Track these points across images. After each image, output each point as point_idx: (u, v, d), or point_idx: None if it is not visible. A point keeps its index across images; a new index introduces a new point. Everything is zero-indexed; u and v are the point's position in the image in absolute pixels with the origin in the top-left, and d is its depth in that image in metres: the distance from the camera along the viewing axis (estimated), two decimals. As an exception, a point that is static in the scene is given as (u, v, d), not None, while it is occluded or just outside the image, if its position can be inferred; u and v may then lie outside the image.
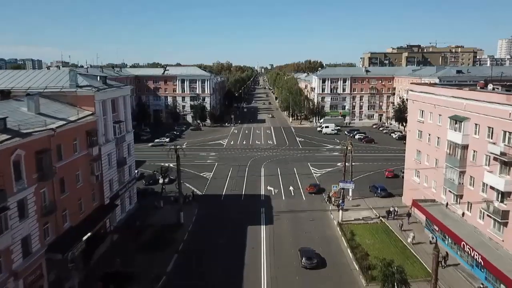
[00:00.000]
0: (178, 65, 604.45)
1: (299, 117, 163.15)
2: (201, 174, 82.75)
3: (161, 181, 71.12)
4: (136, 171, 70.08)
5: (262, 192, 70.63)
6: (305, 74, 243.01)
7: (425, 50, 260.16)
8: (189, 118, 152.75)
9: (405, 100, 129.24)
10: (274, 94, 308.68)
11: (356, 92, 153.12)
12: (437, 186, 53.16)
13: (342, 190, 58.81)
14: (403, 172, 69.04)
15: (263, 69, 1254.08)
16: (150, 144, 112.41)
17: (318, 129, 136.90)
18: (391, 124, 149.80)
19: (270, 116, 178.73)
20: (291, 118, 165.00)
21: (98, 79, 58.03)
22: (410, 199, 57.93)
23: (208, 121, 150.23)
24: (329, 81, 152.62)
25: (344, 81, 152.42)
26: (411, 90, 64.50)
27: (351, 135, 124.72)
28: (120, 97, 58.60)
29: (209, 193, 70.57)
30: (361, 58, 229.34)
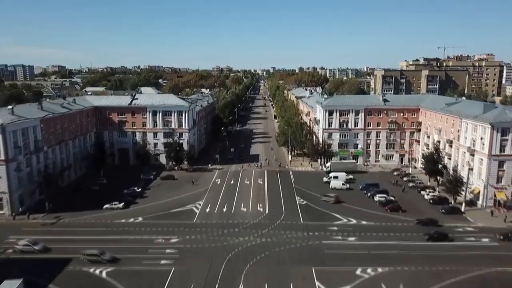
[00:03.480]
0: (175, 72, 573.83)
1: (300, 154, 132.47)
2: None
3: None
4: None
5: None
6: (308, 91, 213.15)
7: (444, 65, 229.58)
8: (163, 159, 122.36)
9: (438, 146, 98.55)
10: (273, 107, 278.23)
11: (371, 127, 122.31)
12: None
13: None
14: None
15: (264, 72, 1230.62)
16: (104, 207, 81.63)
17: (325, 179, 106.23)
18: (415, 168, 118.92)
19: (266, 151, 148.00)
20: (290, 156, 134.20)
21: None
22: None
23: (187, 162, 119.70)
24: (338, 113, 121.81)
25: (357, 113, 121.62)
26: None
27: (370, 194, 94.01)
28: None
29: None
30: (370, 73, 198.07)
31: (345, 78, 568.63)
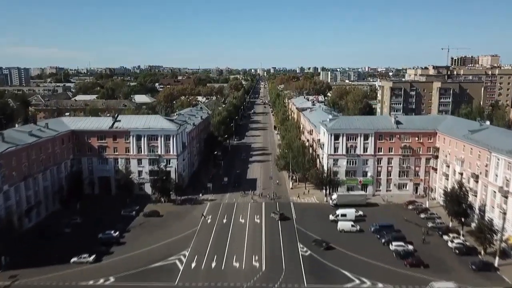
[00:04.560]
0: (173, 75, 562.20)
1: (302, 179, 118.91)
2: None
3: None
4: None
5: None
6: (310, 102, 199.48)
7: (455, 73, 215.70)
8: (148, 188, 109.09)
9: (463, 183, 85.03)
10: (273, 115, 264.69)
11: (382, 153, 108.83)
12: None
13: None
14: None
15: (265, 73, 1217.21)
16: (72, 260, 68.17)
17: (331, 217, 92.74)
18: (433, 199, 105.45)
19: (265, 175, 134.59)
20: (291, 182, 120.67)
21: None
22: None
23: (175, 194, 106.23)
24: (345, 137, 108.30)
25: (366, 137, 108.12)
26: None
27: (384, 240, 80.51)
28: None
29: None
30: (378, 86, 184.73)
31: (347, 81, 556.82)
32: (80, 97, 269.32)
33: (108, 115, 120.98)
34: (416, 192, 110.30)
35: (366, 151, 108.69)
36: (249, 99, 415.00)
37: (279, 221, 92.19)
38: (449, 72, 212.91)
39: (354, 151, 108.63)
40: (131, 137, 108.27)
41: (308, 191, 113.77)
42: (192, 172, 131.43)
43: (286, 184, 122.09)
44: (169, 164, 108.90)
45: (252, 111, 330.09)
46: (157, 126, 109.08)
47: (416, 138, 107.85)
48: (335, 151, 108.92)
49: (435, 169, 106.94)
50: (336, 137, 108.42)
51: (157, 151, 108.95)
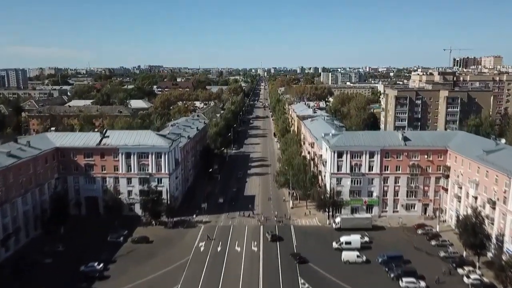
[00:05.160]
0: (171, 78, 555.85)
1: (303, 197, 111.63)
2: None
3: None
4: None
5: None
6: (311, 110, 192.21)
7: (461, 79, 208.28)
8: (138, 209, 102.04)
9: (479, 212, 77.88)
10: (273, 119, 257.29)
11: (389, 172, 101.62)
12: None
13: None
14: None
15: (265, 73, 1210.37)
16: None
17: (335, 245, 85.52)
18: (443, 221, 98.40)
19: (263, 192, 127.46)
20: (291, 201, 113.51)
21: None
22: None
23: (168, 216, 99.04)
24: (349, 155, 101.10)
25: (371, 155, 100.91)
26: None
27: (393, 275, 73.26)
28: None
29: None
30: (382, 93, 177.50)
31: (348, 83, 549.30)
32: (74, 103, 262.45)
33: (96, 130, 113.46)
34: (425, 213, 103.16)
35: (372, 170, 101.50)
36: (249, 102, 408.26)
37: (278, 250, 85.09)
38: (455, 78, 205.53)
39: (359, 170, 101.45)
40: (120, 154, 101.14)
41: (310, 212, 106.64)
42: (187, 188, 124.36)
43: (286, 202, 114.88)
44: (161, 183, 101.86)
45: (251, 115, 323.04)
46: (148, 143, 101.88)
47: (425, 156, 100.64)
48: (338, 170, 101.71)
49: (446, 189, 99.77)
50: (340, 155, 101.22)
51: (147, 170, 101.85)
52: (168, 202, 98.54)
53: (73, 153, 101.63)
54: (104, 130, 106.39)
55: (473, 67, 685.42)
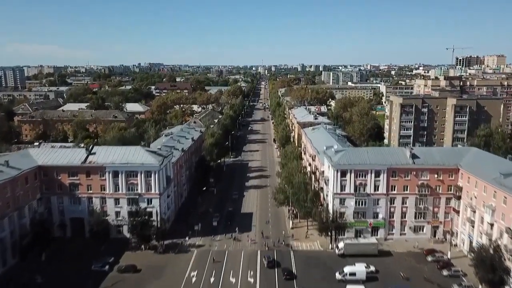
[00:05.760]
0: (170, 78, 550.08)
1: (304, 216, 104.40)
2: None
3: None
4: None
5: None
6: (312, 116, 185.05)
7: (468, 84, 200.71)
8: (126, 231, 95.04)
9: (499, 247, 70.78)
10: (273, 123, 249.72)
11: (396, 192, 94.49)
12: None
13: None
14: None
15: (266, 71, 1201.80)
16: None
17: (339, 276, 78.41)
18: (455, 245, 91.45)
19: (261, 210, 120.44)
20: (291, 221, 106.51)
21: None
22: None
23: (158, 240, 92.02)
24: (353, 174, 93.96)
25: (377, 174, 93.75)
26: None
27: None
28: None
29: None
30: (386, 99, 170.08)
31: (350, 83, 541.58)
32: (68, 106, 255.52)
33: (82, 146, 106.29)
34: (435, 236, 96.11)
35: (377, 190, 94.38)
36: (249, 103, 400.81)
37: (276, 278, 78.22)
38: (461, 83, 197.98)
39: (364, 190, 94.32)
40: (106, 173, 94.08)
41: (309, 233, 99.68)
42: (180, 205, 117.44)
43: (285, 222, 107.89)
44: (151, 204, 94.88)
45: (251, 118, 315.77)
46: (137, 160, 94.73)
47: (435, 175, 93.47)
48: (341, 190, 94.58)
49: (457, 211, 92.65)
50: (343, 174, 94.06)
51: (136, 190, 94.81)
52: (158, 225, 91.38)
53: (57, 171, 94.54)
54: (90, 146, 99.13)
55: (476, 66, 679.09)
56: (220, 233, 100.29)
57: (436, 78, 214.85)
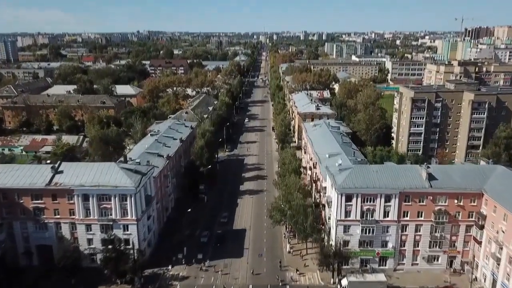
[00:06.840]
0: (165, 55, 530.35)
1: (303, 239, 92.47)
2: None
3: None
4: None
5: None
6: (314, 105, 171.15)
7: (484, 70, 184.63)
8: (100, 260, 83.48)
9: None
10: (273, 106, 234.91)
11: (408, 219, 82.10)
12: None
13: None
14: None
15: (268, 39, 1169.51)
16: None
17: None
18: (475, 280, 79.98)
19: (256, 225, 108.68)
20: (288, 244, 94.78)
21: None
22: None
23: (135, 274, 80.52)
24: (360, 199, 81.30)
25: (388, 198, 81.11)
26: None
27: None
28: None
29: None
30: (396, 95, 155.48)
31: (354, 57, 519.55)
32: (56, 89, 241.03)
33: (48, 162, 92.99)
34: (451, 266, 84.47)
35: (387, 216, 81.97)
36: (248, 79, 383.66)
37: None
38: (477, 69, 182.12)
39: (372, 216, 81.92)
40: (75, 196, 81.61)
41: (308, 258, 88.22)
42: (166, 219, 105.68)
43: (282, 244, 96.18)
44: (127, 230, 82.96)
45: (250, 98, 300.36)
46: (110, 181, 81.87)
47: (455, 200, 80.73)
48: (346, 216, 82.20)
49: (479, 242, 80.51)
50: (348, 198, 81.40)
51: (110, 214, 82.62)
52: (135, 257, 79.73)
53: (18, 194, 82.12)
54: (58, 164, 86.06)
55: (485, 38, 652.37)
56: (209, 257, 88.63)
57: (450, 63, 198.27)
